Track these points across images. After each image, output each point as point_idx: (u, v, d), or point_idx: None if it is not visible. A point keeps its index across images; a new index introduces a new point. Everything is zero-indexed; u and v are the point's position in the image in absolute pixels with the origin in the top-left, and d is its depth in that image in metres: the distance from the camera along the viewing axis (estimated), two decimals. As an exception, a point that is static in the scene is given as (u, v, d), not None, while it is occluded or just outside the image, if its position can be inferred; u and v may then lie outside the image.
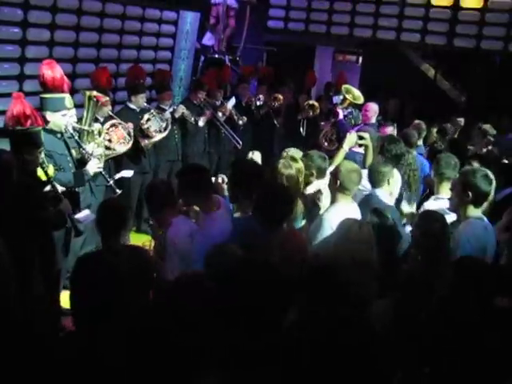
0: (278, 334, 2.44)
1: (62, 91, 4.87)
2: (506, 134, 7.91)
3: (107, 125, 6.10)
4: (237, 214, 4.09)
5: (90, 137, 5.33)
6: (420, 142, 7.11)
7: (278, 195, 3.69)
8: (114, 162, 6.46)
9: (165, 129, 6.84)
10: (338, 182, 4.21)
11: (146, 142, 6.72)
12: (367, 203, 4.44)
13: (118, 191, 5.32)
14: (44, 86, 4.85)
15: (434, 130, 7.85)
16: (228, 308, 2.40)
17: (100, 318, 2.42)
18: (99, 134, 5.55)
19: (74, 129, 4.94)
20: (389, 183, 4.71)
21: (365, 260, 3.29)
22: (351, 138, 5.64)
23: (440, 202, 4.59)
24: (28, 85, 6.71)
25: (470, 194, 3.93)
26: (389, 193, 4.75)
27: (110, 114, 6.27)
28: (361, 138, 5.68)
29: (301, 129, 8.90)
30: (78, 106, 5.40)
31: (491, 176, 4.04)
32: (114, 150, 6.11)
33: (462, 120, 8.80)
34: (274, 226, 3.64)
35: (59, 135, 4.89)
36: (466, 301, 2.78)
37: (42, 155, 4.41)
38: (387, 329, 2.90)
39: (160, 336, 2.34)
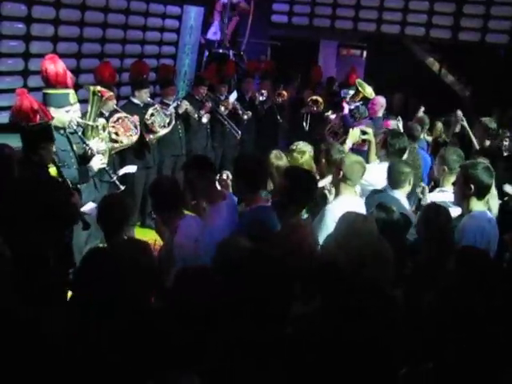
0: (283, 326, 2.45)
1: (66, 86, 4.87)
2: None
3: (113, 118, 6.12)
4: (242, 208, 4.10)
5: (94, 132, 5.33)
6: (422, 136, 7.09)
7: (304, 181, 3.69)
8: (119, 158, 6.48)
9: (169, 124, 6.86)
10: (341, 173, 4.22)
11: (151, 136, 6.74)
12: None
13: (122, 187, 5.32)
14: (47, 81, 4.83)
15: (439, 123, 7.82)
16: (233, 300, 2.41)
17: (103, 312, 2.43)
18: (103, 128, 5.56)
19: (78, 124, 4.94)
20: (410, 183, 4.62)
21: (378, 251, 3.25)
22: (354, 134, 5.65)
23: (444, 194, 4.59)
24: (32, 80, 6.74)
25: (472, 186, 3.93)
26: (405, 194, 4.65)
27: (116, 108, 6.28)
28: (364, 133, 5.67)
29: (304, 123, 8.89)
30: (82, 100, 5.41)
31: (492, 169, 4.05)
32: (121, 142, 6.12)
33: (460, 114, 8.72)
34: (292, 211, 3.63)
35: (62, 131, 4.87)
36: (469, 291, 2.78)
37: (54, 149, 4.43)
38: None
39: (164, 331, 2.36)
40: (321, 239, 3.77)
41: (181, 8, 9.66)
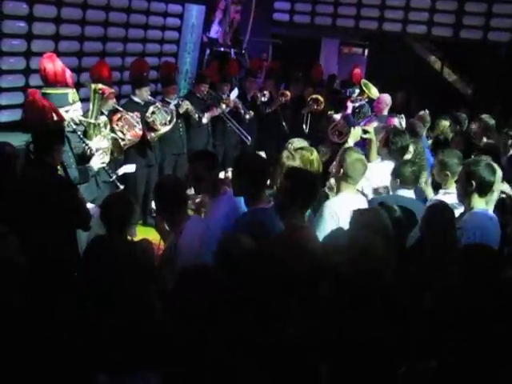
0: (284, 326, 2.45)
1: (65, 85, 4.86)
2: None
3: (116, 117, 6.11)
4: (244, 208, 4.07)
5: (96, 130, 5.33)
6: (423, 134, 7.07)
7: (307, 182, 3.63)
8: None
9: (170, 121, 6.85)
10: (342, 170, 4.21)
11: (152, 134, 6.74)
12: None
13: (121, 187, 5.32)
14: (45, 80, 4.82)
15: (441, 122, 7.80)
16: (234, 298, 2.41)
17: (103, 302, 2.45)
18: (105, 126, 5.56)
19: (77, 123, 4.94)
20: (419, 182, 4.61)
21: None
22: (355, 133, 5.64)
23: (450, 196, 4.54)
24: (34, 79, 6.73)
25: (474, 183, 3.93)
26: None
27: (116, 106, 6.28)
28: (365, 132, 5.66)
29: (303, 126, 8.85)
30: (84, 99, 5.42)
31: (495, 166, 4.03)
32: (128, 140, 6.12)
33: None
34: (294, 213, 3.56)
35: None
36: (472, 289, 2.78)
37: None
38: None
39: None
40: (319, 235, 3.77)
41: (182, 6, 9.66)
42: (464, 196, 4.05)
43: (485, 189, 4.00)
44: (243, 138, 8.29)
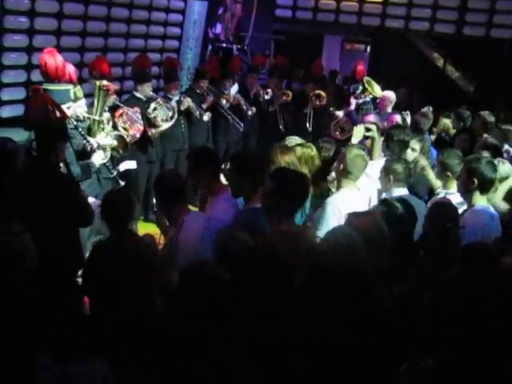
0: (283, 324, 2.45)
1: (66, 81, 4.85)
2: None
3: (117, 113, 6.11)
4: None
5: (100, 126, 5.34)
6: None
7: (293, 183, 3.52)
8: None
9: (171, 118, 6.85)
10: (342, 166, 4.20)
11: (153, 131, 6.73)
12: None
13: (122, 183, 5.32)
14: (46, 75, 4.81)
15: (443, 119, 7.79)
16: (233, 295, 2.41)
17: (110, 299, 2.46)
18: (108, 122, 5.57)
19: (83, 118, 4.94)
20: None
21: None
22: (359, 131, 5.64)
23: (452, 196, 4.53)
24: (36, 74, 6.73)
25: (476, 180, 3.93)
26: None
27: (117, 102, 6.28)
28: (368, 130, 5.66)
29: (307, 124, 8.82)
30: (85, 95, 5.40)
31: (496, 163, 4.03)
32: (131, 136, 6.12)
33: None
34: (281, 216, 3.47)
35: None
36: (472, 288, 2.78)
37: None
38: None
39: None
40: (321, 232, 3.75)
41: (184, 2, 9.65)
42: (465, 193, 4.05)
43: (486, 186, 4.00)
44: (236, 125, 8.21)
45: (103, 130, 5.34)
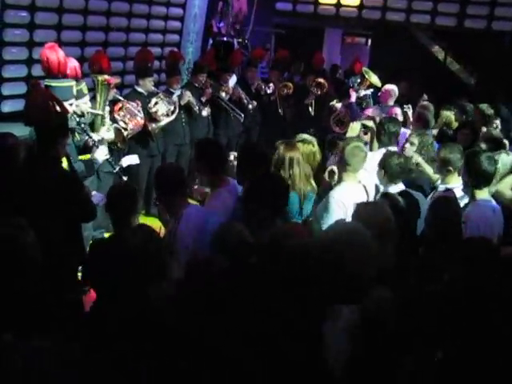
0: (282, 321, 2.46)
1: (69, 76, 4.84)
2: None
3: (117, 107, 6.11)
4: None
5: (102, 121, 5.35)
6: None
7: (272, 185, 3.58)
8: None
9: (172, 112, 6.84)
10: (343, 160, 4.22)
11: (154, 125, 6.71)
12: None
13: (125, 178, 5.33)
14: (48, 70, 4.78)
15: (444, 111, 7.77)
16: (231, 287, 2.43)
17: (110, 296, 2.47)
18: (108, 116, 5.58)
19: (88, 114, 4.94)
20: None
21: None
22: (355, 128, 5.65)
23: (450, 193, 4.51)
24: (36, 69, 6.72)
25: (475, 174, 3.93)
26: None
27: (117, 96, 6.27)
28: (365, 126, 5.67)
29: (310, 108, 8.79)
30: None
31: (495, 157, 4.03)
32: (131, 129, 6.12)
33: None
34: (263, 219, 3.47)
35: None
36: (473, 283, 2.79)
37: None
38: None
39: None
40: (325, 225, 3.77)
41: (185, -4, 9.63)
42: (466, 187, 4.05)
43: (486, 179, 4.00)
44: (237, 116, 8.17)
45: (104, 124, 5.35)
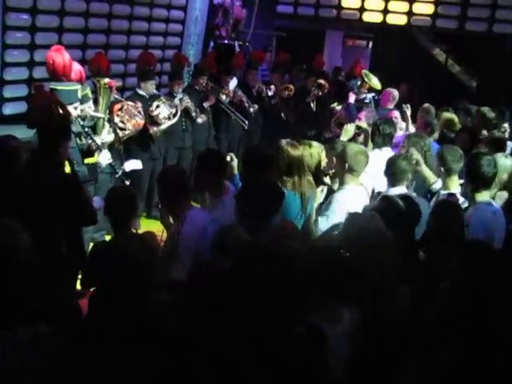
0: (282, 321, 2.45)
1: (73, 80, 4.84)
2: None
3: (117, 107, 6.10)
4: None
5: (104, 124, 5.36)
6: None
7: (264, 191, 3.56)
8: (124, 150, 6.46)
9: (174, 115, 6.84)
10: (346, 165, 4.22)
11: (155, 129, 6.71)
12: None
13: (127, 182, 5.33)
14: (53, 73, 4.78)
15: (443, 113, 7.76)
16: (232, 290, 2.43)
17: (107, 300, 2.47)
18: (108, 119, 5.58)
19: (91, 118, 4.94)
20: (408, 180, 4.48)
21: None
22: (348, 130, 5.64)
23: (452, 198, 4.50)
24: (38, 71, 6.74)
25: (476, 177, 3.93)
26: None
27: (116, 97, 6.26)
28: (359, 128, 5.68)
29: (311, 104, 8.78)
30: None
31: (496, 160, 4.03)
32: (129, 130, 6.11)
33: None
34: (256, 223, 3.45)
35: None
36: (474, 286, 2.78)
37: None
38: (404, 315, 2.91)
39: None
40: (326, 226, 3.77)
41: (186, -1, 9.64)
42: (466, 190, 4.05)
43: (486, 182, 3.99)
44: (241, 123, 8.19)
45: (105, 127, 5.35)
